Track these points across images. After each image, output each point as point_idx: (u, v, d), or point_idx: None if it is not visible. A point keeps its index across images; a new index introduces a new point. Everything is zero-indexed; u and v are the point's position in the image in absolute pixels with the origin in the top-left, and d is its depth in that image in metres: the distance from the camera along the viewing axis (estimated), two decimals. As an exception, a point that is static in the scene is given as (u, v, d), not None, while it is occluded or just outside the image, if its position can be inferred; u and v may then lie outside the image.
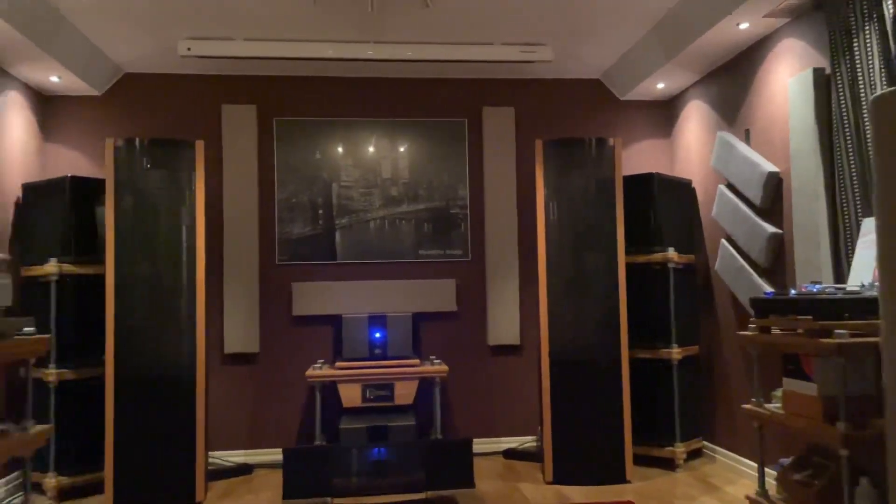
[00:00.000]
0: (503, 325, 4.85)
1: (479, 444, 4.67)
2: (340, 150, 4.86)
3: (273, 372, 4.69)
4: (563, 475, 3.99)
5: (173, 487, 3.71)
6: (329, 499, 3.62)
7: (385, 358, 4.29)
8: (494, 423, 4.85)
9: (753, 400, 2.99)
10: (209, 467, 4.05)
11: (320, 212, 4.82)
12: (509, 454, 4.67)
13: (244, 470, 4.37)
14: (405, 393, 4.18)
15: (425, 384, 4.26)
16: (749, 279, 3.87)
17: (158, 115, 4.71)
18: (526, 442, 4.75)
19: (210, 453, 4.27)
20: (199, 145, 3.94)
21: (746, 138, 4.05)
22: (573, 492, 3.84)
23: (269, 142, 4.79)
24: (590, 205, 4.12)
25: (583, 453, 3.99)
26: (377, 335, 4.34)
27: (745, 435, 4.09)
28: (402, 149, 4.91)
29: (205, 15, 3.86)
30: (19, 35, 3.58)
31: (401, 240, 4.86)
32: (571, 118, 5.05)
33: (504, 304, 4.85)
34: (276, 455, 4.54)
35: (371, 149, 4.89)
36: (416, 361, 4.28)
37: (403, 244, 4.85)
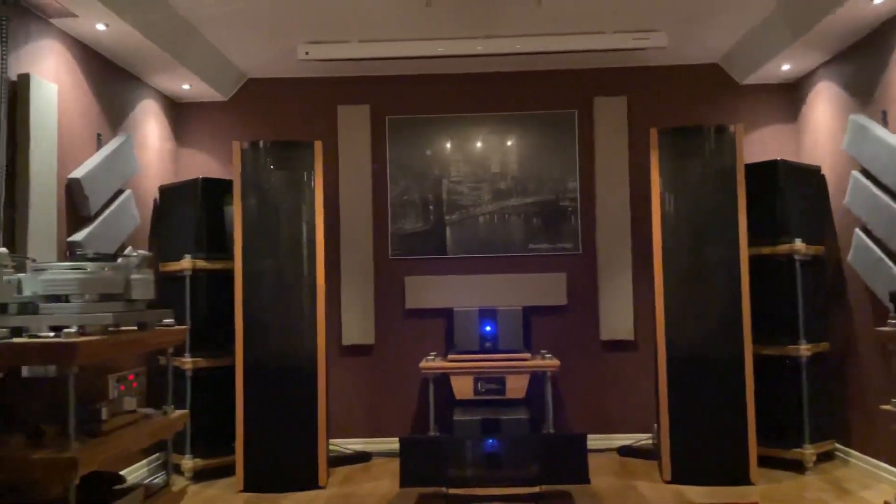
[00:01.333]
0: (616, 319, 4.75)
1: (593, 441, 4.57)
2: (449, 146, 4.92)
3: (388, 363, 4.82)
4: (681, 474, 3.87)
5: (298, 472, 3.90)
6: (444, 488, 3.69)
7: (496, 351, 4.32)
8: (608, 420, 4.77)
9: (893, 400, 2.78)
10: (330, 454, 4.22)
11: (431, 207, 4.90)
12: (624, 451, 4.58)
13: (363, 457, 4.53)
14: (516, 387, 4.19)
15: (536, 378, 4.25)
16: (888, 272, 3.60)
17: (279, 118, 4.95)
18: (641, 439, 4.64)
19: (330, 440, 4.46)
20: (318, 145, 4.11)
21: (884, 121, 3.76)
22: (693, 492, 3.72)
23: (382, 140, 4.92)
24: (709, 195, 3.97)
25: (703, 452, 3.86)
26: (488, 328, 4.37)
27: (883, 437, 3.82)
28: (510, 142, 4.91)
29: (322, 20, 4.01)
30: (156, 47, 3.86)
31: (510, 234, 4.86)
32: (687, 105, 4.87)
33: (617, 299, 4.75)
34: (392, 444, 4.66)
35: (480, 144, 4.92)
36: (528, 355, 4.28)
37: (513, 238, 4.86)
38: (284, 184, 4.07)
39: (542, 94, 4.92)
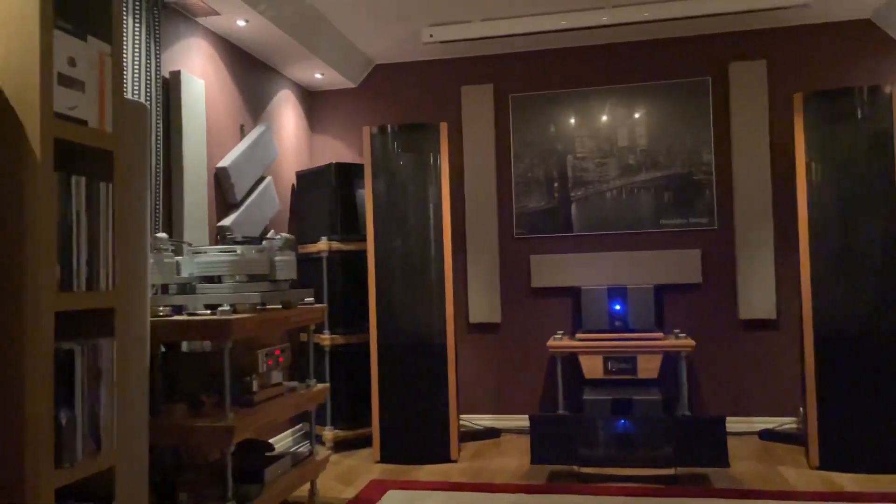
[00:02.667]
0: (756, 297, 4.51)
1: (731, 423, 4.40)
2: (574, 121, 4.83)
3: (515, 341, 4.85)
4: (831, 461, 3.64)
5: (431, 445, 4.02)
6: (575, 467, 3.68)
7: (626, 330, 4.23)
8: (747, 402, 4.56)
9: None
10: (460, 429, 4.32)
11: (556, 184, 4.84)
12: (765, 435, 4.36)
13: (492, 433, 4.60)
14: (649, 367, 4.09)
15: (670, 358, 4.13)
16: None
17: (406, 101, 5.05)
18: (784, 423, 4.40)
19: (461, 416, 4.55)
20: (443, 127, 4.16)
21: None
22: (844, 479, 3.50)
23: (506, 118, 4.91)
24: (861, 163, 3.66)
25: (855, 437, 3.61)
26: (617, 307, 4.28)
27: None
28: (638, 115, 4.75)
29: (445, 1, 4.04)
30: (291, 39, 4.05)
31: (640, 209, 4.72)
32: (835, 67, 4.50)
33: (757, 276, 4.51)
34: (520, 421, 4.71)
35: (605, 117, 4.80)
36: (660, 335, 4.16)
37: (642, 214, 4.71)
38: (412, 166, 4.16)
39: (671, 63, 4.71)
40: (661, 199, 4.69)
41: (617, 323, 4.26)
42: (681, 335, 4.15)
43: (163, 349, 3.04)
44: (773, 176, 4.51)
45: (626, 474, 3.63)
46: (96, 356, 2.07)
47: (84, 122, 2.06)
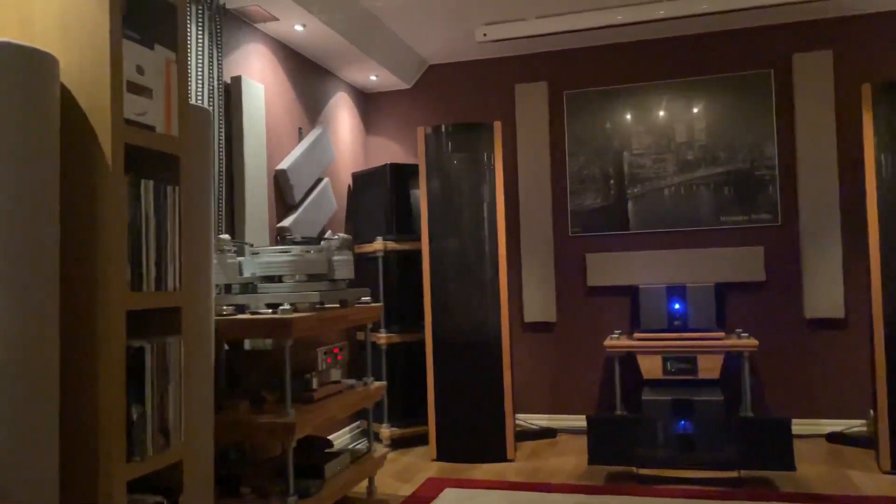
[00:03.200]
0: (823, 295, 4.36)
1: (798, 426, 4.29)
2: (630, 117, 4.75)
3: (570, 341, 4.81)
4: (904, 466, 3.50)
5: (487, 444, 4.02)
6: (634, 468, 3.63)
7: (686, 330, 4.14)
8: (813, 404, 4.41)
9: None
10: (516, 429, 4.31)
11: (611, 182, 4.78)
12: (833, 438, 4.21)
13: (548, 433, 4.57)
14: (709, 367, 3.99)
15: (731, 358, 4.03)
16: None
17: (459, 101, 5.07)
18: (853, 426, 4.24)
19: (516, 416, 4.54)
20: (497, 126, 4.16)
21: None
22: (919, 486, 3.35)
23: (560, 116, 4.87)
24: (936, 155, 3.50)
25: (931, 444, 3.45)
26: (677, 306, 4.20)
27: None
28: (696, 109, 4.65)
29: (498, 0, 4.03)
30: (346, 42, 4.11)
31: (699, 206, 4.61)
32: (907, 55, 4.31)
33: (824, 273, 4.35)
34: (576, 421, 4.67)
35: (662, 113, 4.71)
36: (721, 334, 4.06)
37: (702, 211, 4.61)
38: (466, 165, 4.17)
39: (731, 55, 4.60)
40: (721, 196, 4.58)
41: (676, 322, 4.18)
42: (743, 335, 4.05)
43: (226, 347, 3.13)
44: (839, 170, 4.35)
45: (687, 476, 3.56)
46: (165, 354, 2.15)
47: (152, 128, 2.14)
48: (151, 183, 2.12)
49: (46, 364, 1.77)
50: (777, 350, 4.45)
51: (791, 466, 3.33)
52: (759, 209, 4.51)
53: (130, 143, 2.04)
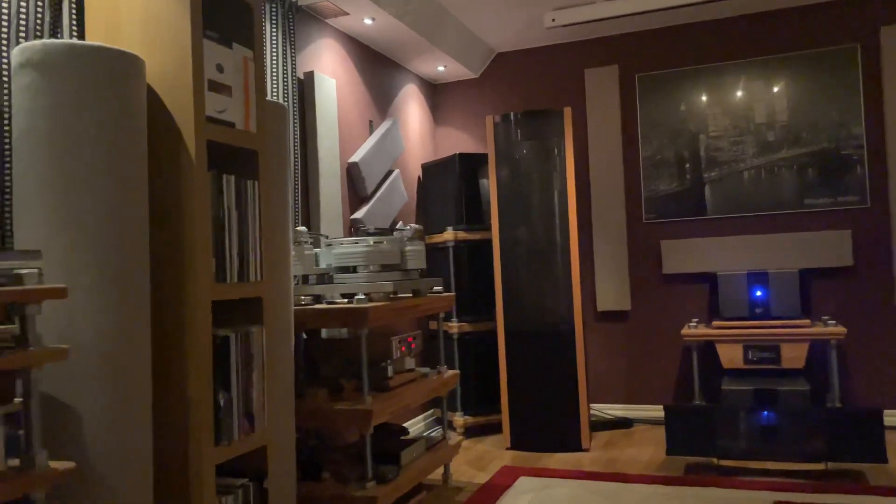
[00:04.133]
0: (917, 280, 4.13)
1: (889, 417, 4.09)
2: (705, 98, 4.61)
3: (645, 330, 4.72)
4: None
5: (561, 433, 4.00)
6: (714, 459, 3.54)
7: (768, 318, 4.00)
8: (908, 394, 4.19)
9: None
10: (591, 418, 4.26)
11: (687, 166, 4.65)
12: (930, 431, 4.00)
13: (624, 423, 4.51)
14: (794, 356, 3.85)
15: (817, 347, 3.87)
16: None
17: (528, 88, 5.03)
18: (953, 418, 4.01)
19: (591, 405, 4.50)
20: (567, 112, 4.10)
21: None
22: None
23: (632, 100, 4.77)
24: None
25: None
26: (758, 293, 4.06)
27: None
28: (776, 89, 4.46)
29: (566, -16, 3.97)
30: (414, 34, 4.13)
31: (780, 189, 4.44)
32: None
33: (917, 257, 4.12)
34: (652, 411, 4.59)
35: (740, 93, 4.54)
36: (806, 322, 3.90)
37: (784, 194, 4.43)
38: (536, 153, 4.14)
39: (813, 31, 4.39)
40: (804, 178, 4.38)
41: (758, 310, 4.04)
42: (830, 322, 3.88)
43: (304, 336, 3.22)
44: (936, 147, 4.10)
45: (771, 468, 3.44)
46: (248, 342, 2.23)
47: (232, 125, 2.22)
48: (233, 178, 2.20)
49: (139, 352, 1.86)
50: (866, 338, 4.25)
51: (883, 458, 3.17)
52: (846, 191, 4.30)
53: (212, 139, 2.12)
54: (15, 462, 1.48)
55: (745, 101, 4.52)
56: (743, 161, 4.52)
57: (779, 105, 4.46)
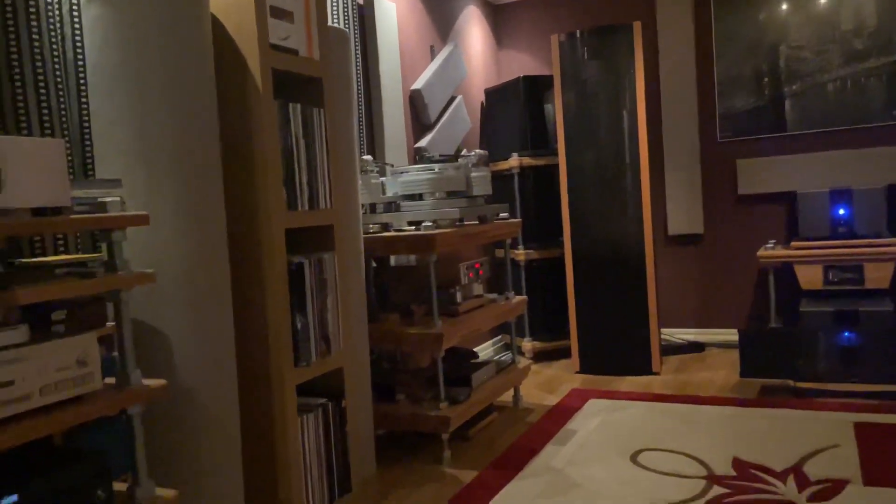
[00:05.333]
0: None
1: (981, 338, 3.91)
2: (786, 7, 4.31)
3: (719, 253, 4.59)
4: None
5: (631, 357, 3.99)
6: (790, 381, 3.47)
7: (851, 237, 3.82)
8: None
9: None
10: (661, 343, 4.23)
11: (765, 80, 4.40)
12: None
13: (696, 347, 4.46)
14: (878, 276, 3.68)
15: (905, 266, 3.68)
16: None
17: (595, 4, 4.81)
18: None
19: (661, 330, 4.45)
20: (637, 27, 3.92)
21: None
22: None
23: (706, 12, 4.50)
24: None
25: None
26: (841, 212, 3.87)
27: None
28: (867, -9, 4.13)
29: None
30: (474, -48, 3.98)
31: (868, 101, 4.16)
32: None
33: None
34: (726, 335, 4.52)
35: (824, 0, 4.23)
36: (893, 240, 3.71)
37: (872, 106, 4.15)
38: (603, 72, 3.99)
39: (912, -77, 4.00)
40: (894, 88, 4.09)
41: (840, 229, 3.86)
42: (919, 240, 3.67)
43: (374, 264, 3.27)
44: None
45: (849, 390, 3.36)
46: (322, 268, 2.28)
47: (295, 52, 2.21)
48: (299, 106, 2.21)
49: (219, 278, 1.93)
50: (960, 257, 4.01)
51: (975, 381, 3.05)
52: (943, 100, 4.00)
53: (277, 67, 2.12)
54: (111, 381, 1.58)
55: (830, 7, 4.21)
56: (827, 72, 4.25)
57: (867, 10, 4.13)
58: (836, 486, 2.34)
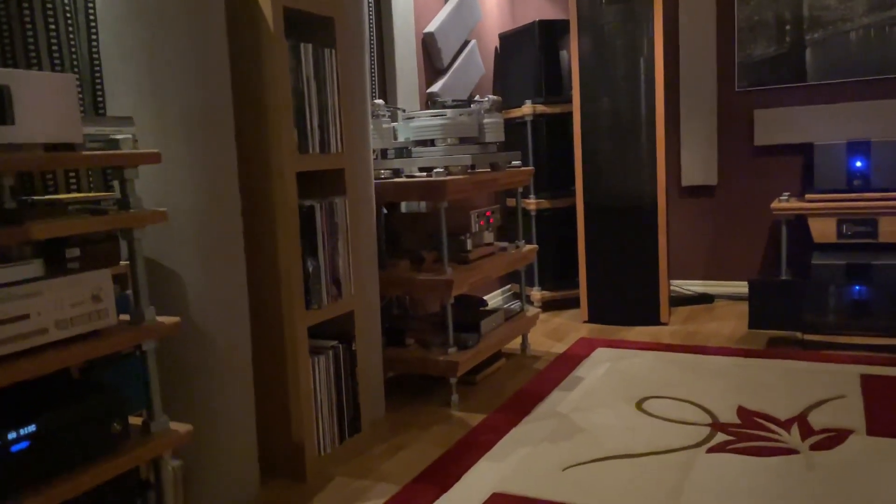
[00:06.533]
0: None
1: None
2: (814, -50, 4.17)
3: (732, 205, 4.55)
4: None
5: (639, 307, 4.00)
6: (799, 333, 3.48)
7: (867, 190, 3.77)
8: None
9: None
10: (671, 294, 4.23)
11: (787, 28, 4.28)
12: None
13: (705, 299, 4.46)
14: (892, 230, 3.64)
15: (921, 220, 3.64)
16: None
17: (611, -53, 4.66)
18: None
19: (671, 281, 4.45)
20: (657, -30, 3.81)
21: None
22: None
23: (729, -45, 4.36)
24: None
25: None
26: (858, 164, 3.81)
27: None
28: (898, -65, 3.98)
29: None
30: None
31: (891, 51, 4.05)
32: None
33: None
34: (735, 287, 4.51)
35: (854, -58, 4.07)
36: (910, 194, 3.66)
37: (895, 56, 4.04)
38: (621, 17, 3.89)
39: None
40: (921, 37, 3.98)
41: (856, 182, 3.81)
42: (936, 195, 3.63)
43: (385, 210, 3.27)
44: None
45: (859, 343, 3.37)
46: (332, 212, 2.28)
47: (307, -10, 2.16)
48: (310, 46, 2.17)
49: (230, 218, 1.94)
50: (977, 212, 3.96)
51: (985, 335, 3.04)
52: (970, 50, 3.88)
53: (288, 6, 2.08)
54: (126, 318, 1.60)
55: (859, -48, 4.07)
56: (850, 20, 4.13)
57: (898, -46, 3.99)
58: (840, 435, 2.37)
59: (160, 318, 1.59)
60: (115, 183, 1.53)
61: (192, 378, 1.89)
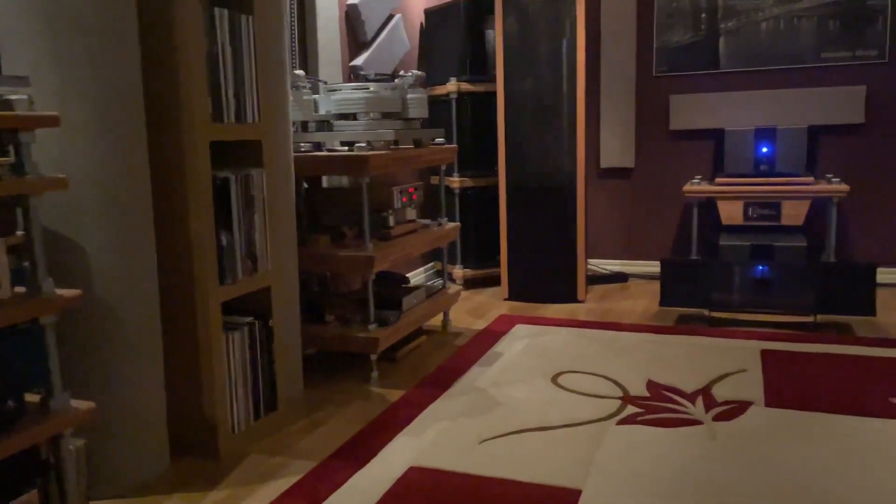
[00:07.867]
0: (927, 140, 4.05)
1: (883, 274, 4.18)
2: (729, -59, 4.31)
3: (647, 187, 4.70)
4: None
5: (557, 286, 4.09)
6: (706, 311, 3.64)
7: (772, 175, 3.97)
8: (902, 254, 4.24)
9: None
10: (587, 273, 4.35)
11: (703, 16, 4.43)
12: (920, 288, 4.09)
13: (620, 278, 4.60)
14: (794, 213, 3.85)
15: (819, 205, 3.87)
16: None
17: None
18: (944, 277, 4.09)
19: (589, 261, 4.57)
20: (580, -47, 3.85)
21: None
22: None
23: (650, -59, 4.46)
24: None
25: None
26: (764, 150, 4.01)
27: None
28: (806, -69, 4.16)
29: None
30: None
31: (798, 42, 4.25)
32: None
33: (931, 115, 4.02)
34: (649, 267, 4.67)
35: (767, -64, 4.24)
36: (810, 179, 3.88)
37: (801, 47, 4.25)
38: (545, 0, 3.93)
39: None
40: (825, 30, 4.19)
41: (762, 167, 4.01)
42: (834, 180, 3.85)
43: (305, 185, 3.21)
44: (967, -3, 3.88)
45: (761, 320, 3.55)
46: (249, 185, 2.22)
47: (222, -48, 2.08)
48: (226, 12, 2.09)
49: (138, 187, 1.85)
50: (870, 197, 4.24)
51: (871, 311, 3.27)
52: (866, 45, 4.12)
53: (202, -33, 1.99)
54: (22, 290, 1.51)
55: (771, -55, 4.23)
56: (761, 11, 4.30)
57: (806, -51, 4.17)
58: (741, 406, 2.50)
59: (60, 291, 1.51)
60: (10, 147, 1.44)
61: (97, 354, 1.81)
